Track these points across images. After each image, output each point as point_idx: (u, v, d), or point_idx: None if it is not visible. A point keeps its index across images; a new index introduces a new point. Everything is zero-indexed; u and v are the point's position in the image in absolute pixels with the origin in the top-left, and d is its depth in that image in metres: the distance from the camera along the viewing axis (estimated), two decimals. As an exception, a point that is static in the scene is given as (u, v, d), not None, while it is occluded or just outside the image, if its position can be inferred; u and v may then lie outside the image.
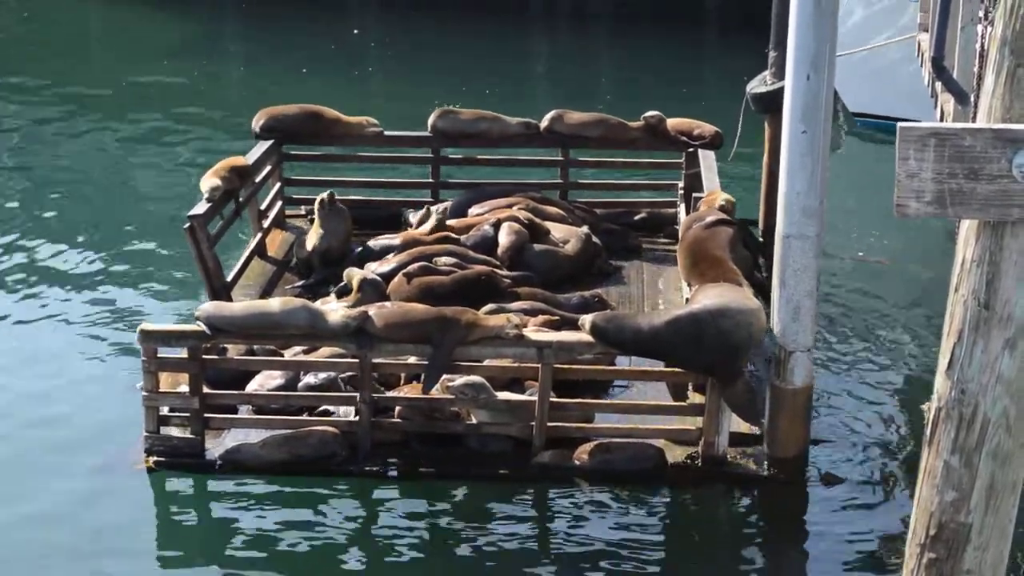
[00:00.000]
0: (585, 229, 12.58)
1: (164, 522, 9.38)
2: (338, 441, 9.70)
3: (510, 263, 11.89)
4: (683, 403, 10.06)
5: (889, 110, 18.29)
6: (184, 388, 9.76)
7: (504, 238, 12.10)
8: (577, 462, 9.66)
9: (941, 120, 10.27)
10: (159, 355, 9.65)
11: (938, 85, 10.51)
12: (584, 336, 9.50)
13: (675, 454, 9.79)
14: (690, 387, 10.15)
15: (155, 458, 9.74)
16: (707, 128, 13.55)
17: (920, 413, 4.83)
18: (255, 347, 10.21)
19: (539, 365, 9.49)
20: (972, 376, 4.57)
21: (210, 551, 9.04)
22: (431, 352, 9.52)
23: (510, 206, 12.78)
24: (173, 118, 20.78)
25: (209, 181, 11.80)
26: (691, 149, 13.40)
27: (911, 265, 14.62)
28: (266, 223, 13.16)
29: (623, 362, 10.44)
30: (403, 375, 10.17)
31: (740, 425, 9.79)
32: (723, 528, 9.51)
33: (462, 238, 12.22)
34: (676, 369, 9.70)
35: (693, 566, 9.03)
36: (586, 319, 9.55)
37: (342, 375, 10.02)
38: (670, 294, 12.11)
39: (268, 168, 13.29)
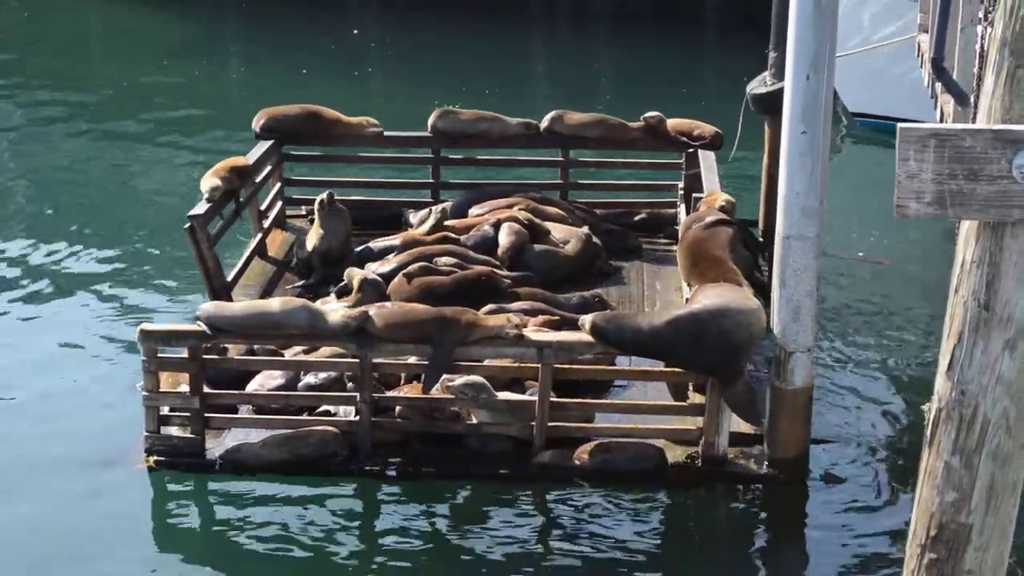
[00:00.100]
0: (585, 229, 12.59)
1: (164, 522, 9.39)
2: (338, 441, 9.71)
3: (510, 263, 11.90)
4: (683, 403, 10.07)
5: (891, 111, 18.27)
6: (184, 388, 9.77)
7: (504, 238, 12.11)
8: (577, 462, 9.66)
9: (941, 121, 10.28)
10: (159, 355, 9.65)
11: (938, 86, 10.52)
12: (584, 336, 9.50)
13: (675, 454, 9.79)
14: (690, 387, 10.15)
15: (155, 458, 9.74)
16: (707, 128, 13.55)
17: (920, 413, 4.84)
18: (255, 347, 10.22)
19: (539, 365, 9.49)
20: (972, 377, 4.57)
21: (210, 551, 9.05)
22: (431, 352, 9.53)
23: (510, 206, 12.79)
24: (173, 118, 20.79)
25: (209, 181, 11.80)
26: (691, 150, 13.40)
27: (911, 265, 14.63)
28: (266, 223, 13.16)
29: (623, 362, 10.44)
30: (403, 375, 10.17)
31: (740, 425, 9.79)
32: (723, 528, 9.52)
33: (462, 238, 12.22)
34: (676, 369, 9.70)
35: (693, 566, 9.03)
36: (586, 319, 9.55)
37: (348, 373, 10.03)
38: (670, 294, 12.11)
39: (268, 168, 13.30)
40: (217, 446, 9.85)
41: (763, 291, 10.54)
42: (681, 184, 13.41)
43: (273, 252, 13.00)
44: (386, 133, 13.89)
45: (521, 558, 8.90)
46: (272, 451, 9.70)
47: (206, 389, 9.81)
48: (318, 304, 10.28)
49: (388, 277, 11.33)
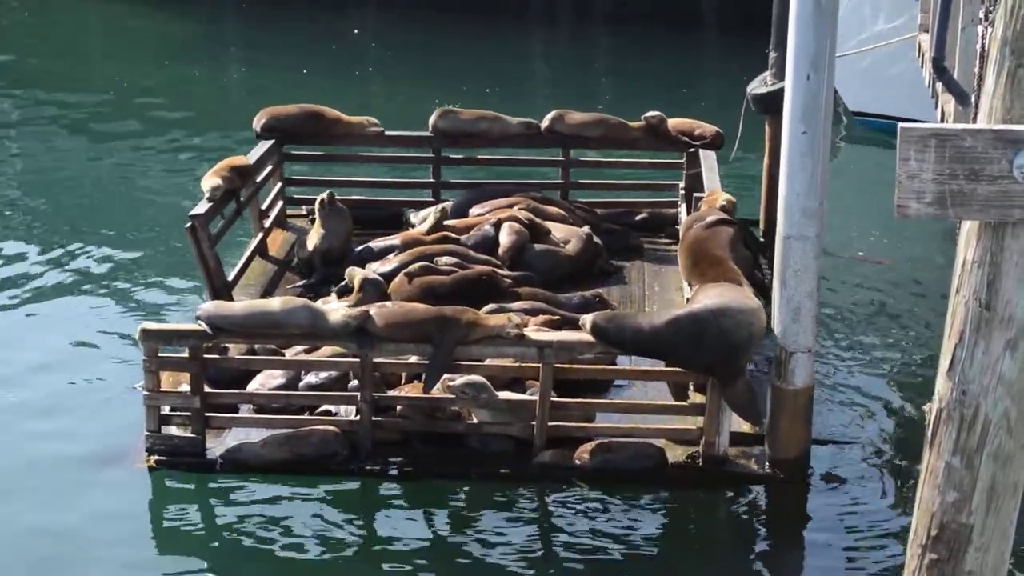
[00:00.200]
0: (586, 229, 12.59)
1: (165, 521, 9.38)
2: (339, 440, 9.71)
3: (511, 263, 11.90)
4: (684, 403, 10.07)
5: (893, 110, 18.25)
6: (185, 387, 9.77)
7: (505, 238, 12.11)
8: (578, 461, 9.66)
9: (942, 121, 10.28)
10: (160, 354, 9.66)
11: (939, 86, 10.52)
12: (585, 336, 9.50)
13: (676, 454, 9.80)
14: (691, 387, 10.15)
15: (156, 457, 9.74)
16: (708, 128, 13.55)
17: (921, 413, 4.85)
18: (256, 346, 10.23)
19: (540, 365, 9.50)
20: (973, 377, 4.57)
21: (211, 550, 9.05)
22: (432, 351, 9.53)
23: (511, 206, 12.79)
24: (173, 118, 20.79)
25: (210, 181, 11.80)
26: (692, 149, 13.40)
27: (911, 265, 14.62)
28: (267, 223, 13.16)
29: (624, 362, 10.44)
30: (404, 374, 10.17)
31: (741, 425, 9.80)
32: (723, 528, 9.52)
33: (462, 238, 12.23)
34: (677, 369, 9.70)
35: (693, 566, 9.03)
36: (587, 319, 9.55)
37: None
38: (671, 294, 12.11)
39: (269, 168, 13.30)
40: (218, 445, 9.85)
41: (763, 291, 10.54)
42: (682, 184, 13.41)
43: (274, 252, 13.00)
44: (387, 133, 13.89)
45: (521, 557, 8.90)
46: (273, 451, 9.71)
47: (207, 388, 9.81)
48: (319, 304, 10.28)
49: (389, 277, 11.34)
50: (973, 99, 9.03)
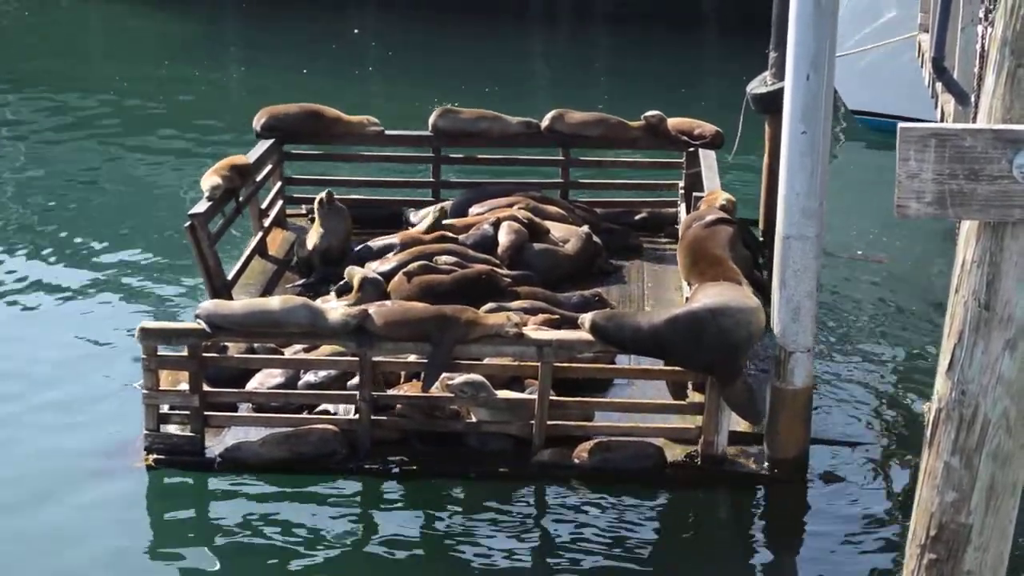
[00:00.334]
0: (585, 228, 12.59)
1: (164, 520, 9.38)
2: (338, 439, 9.71)
3: (510, 262, 11.90)
4: (683, 402, 10.07)
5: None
6: (184, 386, 9.77)
7: (504, 237, 12.11)
8: (577, 460, 9.66)
9: (942, 121, 10.28)
10: (159, 353, 9.66)
11: (938, 86, 10.52)
12: (584, 335, 9.50)
13: (675, 453, 9.80)
14: (690, 386, 10.15)
15: (155, 456, 9.74)
16: (708, 128, 13.55)
17: (920, 413, 4.85)
18: (255, 345, 10.23)
19: (539, 363, 9.50)
20: (972, 377, 4.57)
21: (209, 549, 9.04)
22: (431, 350, 9.53)
23: (510, 205, 12.79)
24: (173, 118, 20.81)
25: (210, 180, 11.80)
26: (692, 149, 13.40)
27: (911, 265, 14.63)
28: (267, 222, 13.16)
29: (623, 360, 10.44)
30: (403, 373, 10.17)
31: (740, 424, 9.80)
32: (722, 527, 9.52)
33: (461, 237, 12.23)
34: (676, 368, 9.70)
35: (692, 565, 9.03)
36: (586, 318, 9.55)
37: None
38: (670, 293, 12.11)
39: (269, 167, 13.30)
40: (217, 444, 9.85)
41: (763, 290, 10.54)
42: (682, 183, 13.41)
43: (273, 251, 13.00)
44: (387, 132, 13.89)
45: (520, 556, 8.91)
46: (272, 449, 9.71)
47: (206, 387, 9.81)
48: (318, 302, 10.28)
49: (388, 276, 11.33)
50: (973, 99, 9.03)
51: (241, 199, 12.35)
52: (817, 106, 9.11)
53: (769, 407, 9.65)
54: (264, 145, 13.25)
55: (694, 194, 12.20)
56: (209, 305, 9.84)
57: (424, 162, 14.30)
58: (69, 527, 9.15)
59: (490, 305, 10.63)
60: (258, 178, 12.95)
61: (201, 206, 11.47)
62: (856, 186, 17.40)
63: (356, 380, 9.75)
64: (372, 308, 9.69)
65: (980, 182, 4.41)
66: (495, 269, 11.61)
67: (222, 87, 23.82)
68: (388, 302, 10.23)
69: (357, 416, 9.72)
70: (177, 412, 9.86)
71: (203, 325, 9.56)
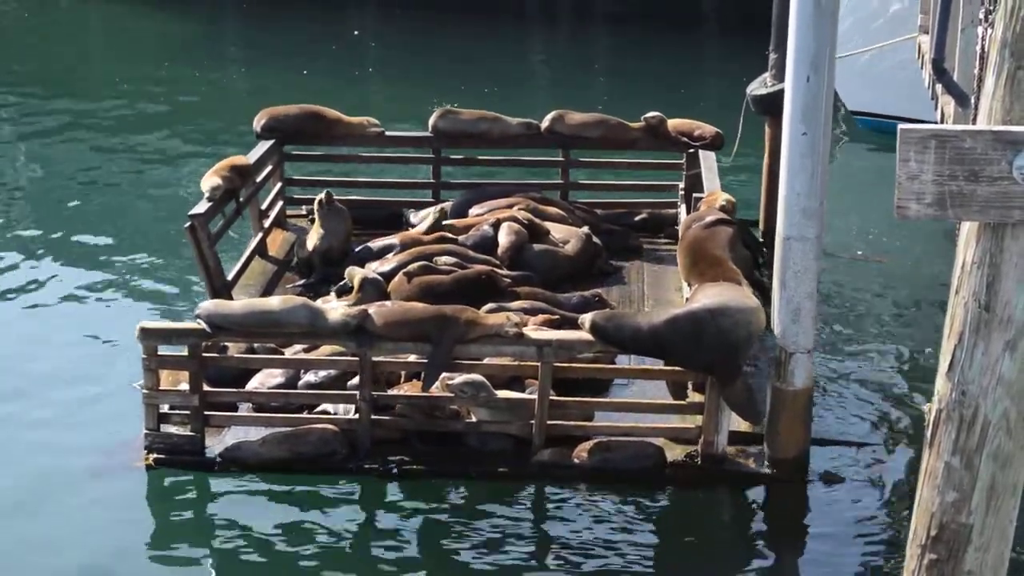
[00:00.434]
0: (585, 229, 12.60)
1: (163, 519, 9.39)
2: (338, 439, 9.72)
3: (510, 263, 11.91)
4: (683, 402, 10.07)
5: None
6: (184, 386, 9.78)
7: (504, 238, 12.12)
8: (576, 460, 9.67)
9: (942, 122, 10.29)
10: (159, 353, 9.67)
11: (938, 87, 10.52)
12: (584, 335, 9.51)
13: (675, 452, 9.80)
14: (690, 386, 10.15)
15: (155, 456, 9.75)
16: (708, 129, 13.55)
17: (920, 414, 4.86)
18: (255, 345, 10.23)
19: (539, 363, 9.50)
20: (973, 378, 4.58)
21: (209, 548, 9.05)
22: (431, 350, 9.54)
23: (510, 206, 12.80)
24: (173, 118, 20.80)
25: (210, 180, 11.81)
26: (692, 150, 13.41)
27: (911, 265, 14.64)
28: (267, 223, 13.17)
29: (623, 360, 10.45)
30: (403, 373, 10.18)
31: (740, 424, 9.80)
32: (723, 527, 9.53)
33: (461, 238, 12.24)
34: (676, 368, 9.71)
35: (692, 565, 9.03)
36: (586, 318, 9.56)
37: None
38: (670, 294, 12.11)
39: (269, 168, 13.30)
40: (217, 444, 9.86)
41: (762, 290, 10.54)
42: (682, 184, 13.42)
43: (273, 251, 13.01)
44: (387, 133, 13.90)
45: (520, 556, 8.91)
46: (272, 449, 9.72)
47: (206, 387, 9.82)
48: (318, 303, 10.28)
49: (388, 276, 11.34)
50: (973, 100, 9.03)
51: (241, 200, 12.36)
52: (817, 107, 9.12)
53: (769, 407, 9.66)
54: (264, 146, 13.26)
55: (694, 195, 12.20)
56: (209, 305, 9.84)
57: (424, 163, 14.31)
58: (69, 526, 9.15)
59: (490, 305, 10.64)
60: (258, 179, 12.95)
61: (201, 206, 11.48)
62: (856, 187, 17.40)
63: (356, 380, 9.76)
64: (372, 308, 9.70)
65: (980, 183, 4.41)
66: (495, 270, 11.62)
67: (222, 87, 23.81)
68: (388, 302, 10.23)
69: (357, 416, 9.73)
70: (177, 412, 9.87)
71: (203, 325, 9.56)
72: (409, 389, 9.93)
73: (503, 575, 8.75)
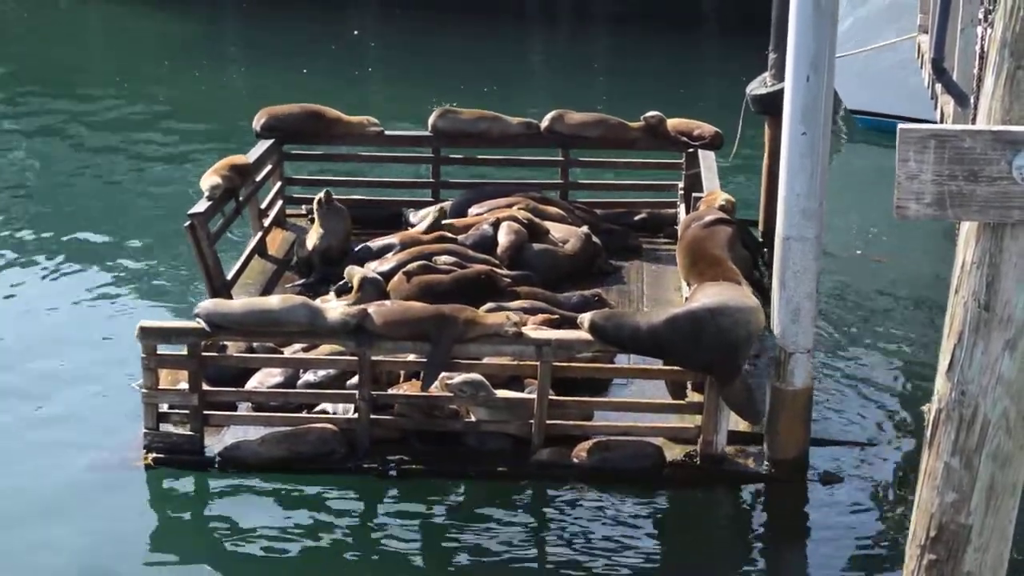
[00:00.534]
0: (585, 229, 12.60)
1: (163, 519, 9.40)
2: (337, 438, 9.71)
3: (509, 262, 11.91)
4: (682, 401, 10.07)
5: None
6: (183, 385, 9.77)
7: (503, 237, 12.12)
8: (576, 460, 9.66)
9: (941, 122, 10.29)
10: (159, 352, 9.66)
11: (938, 87, 10.52)
12: (583, 334, 9.51)
13: (674, 452, 9.80)
14: (689, 385, 10.15)
15: (154, 455, 9.74)
16: (707, 128, 13.55)
17: (920, 414, 4.85)
18: (255, 344, 10.23)
19: (538, 363, 9.50)
20: (972, 378, 4.58)
21: (208, 548, 9.05)
22: (430, 350, 9.53)
23: (510, 206, 12.80)
24: (173, 117, 20.81)
25: (209, 179, 11.80)
26: (691, 149, 13.41)
27: (910, 264, 14.64)
28: (266, 222, 13.17)
29: (622, 360, 10.45)
30: (402, 372, 10.18)
31: (739, 424, 9.80)
32: (721, 527, 9.53)
33: (460, 237, 12.23)
34: (675, 367, 9.71)
35: (691, 564, 9.04)
36: (585, 317, 9.56)
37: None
38: (669, 294, 12.11)
39: (269, 167, 13.30)
40: (216, 443, 9.86)
41: (762, 290, 10.54)
42: (681, 184, 13.42)
43: (273, 251, 13.01)
44: (386, 132, 13.90)
45: (519, 556, 8.91)
46: (271, 448, 9.71)
47: (205, 386, 9.81)
48: (317, 302, 10.28)
49: (388, 276, 11.34)
50: (972, 100, 9.02)
51: (241, 199, 12.35)
52: (817, 107, 9.12)
53: (769, 407, 9.65)
54: (264, 145, 13.26)
55: (693, 194, 12.20)
56: (208, 304, 9.84)
57: (424, 162, 14.31)
58: (68, 525, 9.14)
59: (489, 305, 10.63)
60: (258, 178, 12.95)
61: (201, 206, 11.47)
62: (856, 186, 17.40)
63: (355, 379, 9.76)
64: (371, 307, 9.70)
65: (979, 183, 4.41)
66: (494, 269, 11.61)
67: (222, 87, 23.81)
68: (387, 302, 10.23)
69: (356, 415, 9.73)
70: (176, 411, 9.87)
71: (202, 324, 9.56)
72: (408, 388, 9.92)
73: (502, 574, 8.75)
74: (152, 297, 13.20)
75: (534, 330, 9.88)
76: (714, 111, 16.18)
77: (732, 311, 9.35)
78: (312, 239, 12.35)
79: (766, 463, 9.71)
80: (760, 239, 12.48)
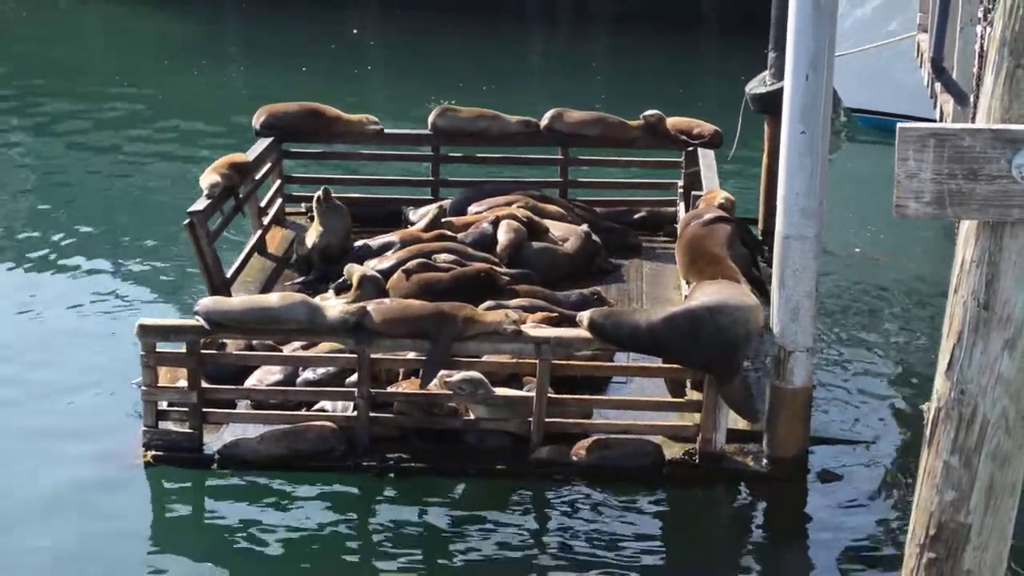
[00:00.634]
0: (584, 227, 12.60)
1: (162, 516, 9.40)
2: (336, 436, 9.71)
3: (508, 261, 11.91)
4: (681, 399, 10.06)
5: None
6: (183, 383, 9.77)
7: (503, 236, 12.12)
8: (575, 458, 9.67)
9: (941, 121, 10.29)
10: (158, 350, 9.66)
11: (937, 86, 10.52)
12: (582, 332, 9.51)
13: (673, 450, 9.80)
14: (688, 383, 10.15)
15: (153, 453, 9.74)
16: (707, 127, 13.55)
17: (920, 413, 4.84)
18: (254, 342, 10.23)
19: (537, 361, 9.50)
20: (972, 377, 4.58)
21: (207, 545, 9.05)
22: (429, 347, 9.53)
23: (509, 204, 12.80)
24: (173, 116, 20.81)
25: (209, 178, 11.80)
26: (690, 148, 13.41)
27: (910, 263, 14.64)
28: (266, 220, 13.17)
29: (621, 358, 10.45)
30: (402, 370, 10.18)
31: (739, 422, 9.80)
32: (721, 525, 9.53)
33: (460, 236, 12.23)
34: (674, 365, 9.71)
35: (690, 563, 9.04)
36: (584, 315, 9.56)
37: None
38: (669, 292, 12.12)
39: (268, 165, 13.30)
40: (215, 441, 9.86)
41: (761, 288, 10.54)
42: (681, 182, 13.42)
43: (273, 249, 13.01)
44: (386, 131, 13.89)
45: (517, 553, 8.91)
46: (270, 446, 9.71)
47: (204, 384, 9.82)
48: (317, 300, 10.28)
49: (387, 274, 11.34)
50: (972, 99, 9.03)
51: (240, 197, 12.35)
52: (816, 106, 9.12)
53: (769, 406, 9.66)
54: (263, 143, 13.26)
55: (693, 193, 12.20)
56: (208, 302, 9.84)
57: (423, 161, 14.30)
58: (67, 523, 9.14)
59: (489, 303, 10.63)
60: (257, 176, 12.95)
61: (200, 204, 11.47)
62: (855, 185, 17.40)
63: (354, 377, 9.76)
64: (371, 305, 9.70)
65: (979, 182, 4.41)
66: (494, 267, 11.61)
67: (222, 87, 23.81)
68: (387, 300, 10.23)
69: (355, 413, 9.73)
70: (175, 409, 9.87)
71: (202, 322, 9.56)
72: (407, 386, 9.92)
73: (501, 572, 8.76)
74: (151, 295, 13.21)
75: (533, 328, 9.88)
76: (714, 110, 16.18)
77: (731, 309, 9.35)
78: (311, 237, 12.34)
79: (765, 461, 9.71)
80: (760, 238, 12.47)
